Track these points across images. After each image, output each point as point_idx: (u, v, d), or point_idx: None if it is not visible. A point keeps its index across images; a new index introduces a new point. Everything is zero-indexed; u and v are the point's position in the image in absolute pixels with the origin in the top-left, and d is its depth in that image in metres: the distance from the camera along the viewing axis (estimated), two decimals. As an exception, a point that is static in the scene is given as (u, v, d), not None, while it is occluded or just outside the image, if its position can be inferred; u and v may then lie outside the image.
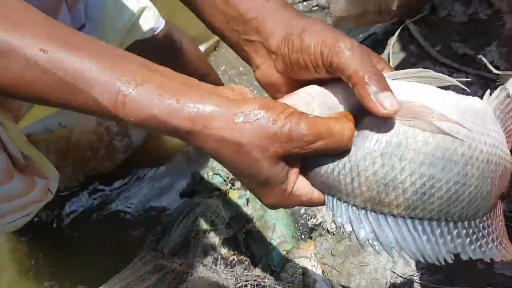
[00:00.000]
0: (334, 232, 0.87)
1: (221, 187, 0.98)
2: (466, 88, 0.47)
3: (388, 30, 1.18)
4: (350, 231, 0.42)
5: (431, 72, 0.46)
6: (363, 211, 0.43)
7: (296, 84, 0.48)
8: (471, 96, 0.47)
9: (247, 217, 0.92)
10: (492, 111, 0.47)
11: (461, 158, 0.43)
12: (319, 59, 0.44)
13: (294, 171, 0.43)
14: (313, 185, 0.44)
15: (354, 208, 0.43)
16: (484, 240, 0.45)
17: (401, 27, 1.13)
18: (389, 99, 0.40)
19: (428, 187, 0.42)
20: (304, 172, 0.44)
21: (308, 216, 0.93)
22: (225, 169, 1.03)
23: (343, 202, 0.43)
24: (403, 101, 0.42)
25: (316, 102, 0.44)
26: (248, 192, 0.97)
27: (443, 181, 0.42)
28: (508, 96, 0.48)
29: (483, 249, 0.44)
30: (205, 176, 1.01)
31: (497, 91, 0.48)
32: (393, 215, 0.43)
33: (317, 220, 0.91)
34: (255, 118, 0.40)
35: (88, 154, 1.13)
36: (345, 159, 0.42)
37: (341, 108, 0.44)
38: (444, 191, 0.43)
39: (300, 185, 0.44)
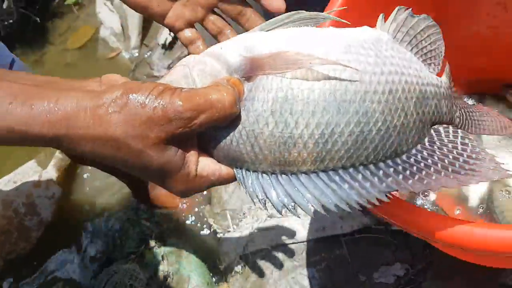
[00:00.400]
0: (240, 271, 0.97)
1: (136, 250, 1.05)
2: (345, 21, 0.46)
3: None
4: (265, 200, 0.41)
5: (303, 13, 0.44)
6: (273, 176, 0.41)
7: None
8: (358, 28, 0.45)
9: (164, 273, 1.00)
10: (389, 37, 0.45)
11: (355, 96, 0.41)
12: None
13: (192, 152, 0.41)
14: (218, 161, 0.43)
15: (264, 175, 0.41)
16: (424, 173, 0.43)
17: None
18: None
19: (329, 135, 0.40)
20: (205, 149, 0.42)
21: (218, 260, 1.02)
22: (137, 229, 1.10)
23: (252, 172, 0.42)
24: (279, 52, 0.41)
25: (195, 72, 0.42)
26: (162, 249, 1.04)
27: (343, 124, 0.40)
28: (412, 16, 0.45)
29: (425, 181, 0.42)
30: (118, 242, 1.08)
31: (393, 14, 0.45)
32: (305, 173, 0.41)
33: (226, 262, 1.01)
34: (122, 106, 0.36)
35: (1, 239, 1.15)
36: (239, 126, 0.41)
37: (223, 73, 0.42)
38: (347, 135, 0.41)
39: (204, 165, 0.41)
